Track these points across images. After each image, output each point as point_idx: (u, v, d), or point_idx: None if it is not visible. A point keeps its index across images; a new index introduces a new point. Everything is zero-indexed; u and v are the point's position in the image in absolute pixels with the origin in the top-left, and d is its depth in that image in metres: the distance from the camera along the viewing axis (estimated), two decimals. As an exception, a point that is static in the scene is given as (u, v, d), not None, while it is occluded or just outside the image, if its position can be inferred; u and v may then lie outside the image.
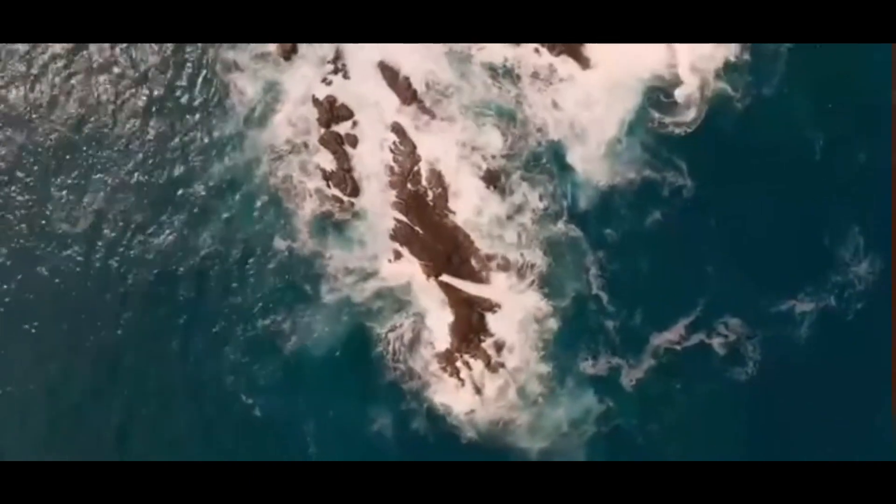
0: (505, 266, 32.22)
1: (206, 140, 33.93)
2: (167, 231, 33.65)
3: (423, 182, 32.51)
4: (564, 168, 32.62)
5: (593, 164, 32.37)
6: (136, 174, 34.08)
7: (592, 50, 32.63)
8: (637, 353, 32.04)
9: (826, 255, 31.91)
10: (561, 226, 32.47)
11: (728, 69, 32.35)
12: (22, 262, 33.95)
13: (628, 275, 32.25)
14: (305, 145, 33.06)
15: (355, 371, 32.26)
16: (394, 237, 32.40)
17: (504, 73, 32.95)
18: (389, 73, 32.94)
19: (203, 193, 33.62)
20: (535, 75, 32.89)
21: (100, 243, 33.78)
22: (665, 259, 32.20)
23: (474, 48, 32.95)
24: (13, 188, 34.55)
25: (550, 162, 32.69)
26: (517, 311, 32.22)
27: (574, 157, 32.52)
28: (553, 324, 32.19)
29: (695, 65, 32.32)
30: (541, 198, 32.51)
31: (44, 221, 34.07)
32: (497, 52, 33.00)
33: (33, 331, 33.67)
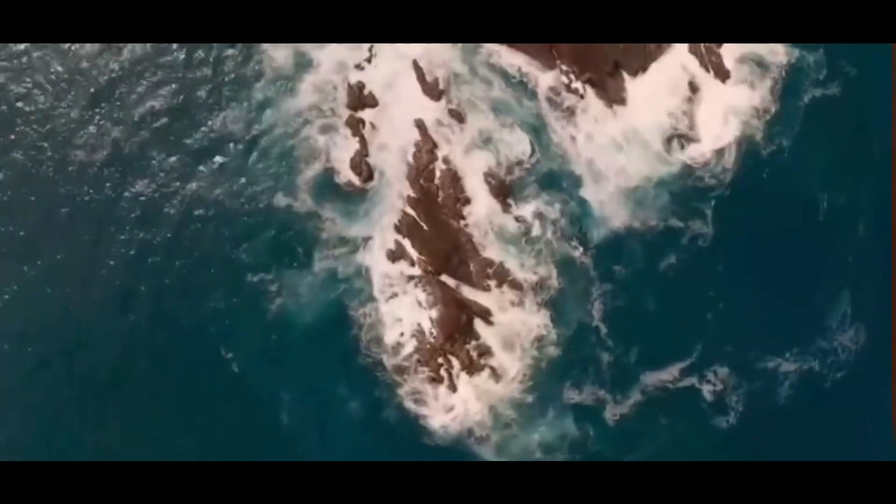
0: (502, 276, 32.16)
1: (232, 92, 34.80)
2: (176, 172, 34.01)
3: (436, 180, 32.94)
4: (580, 201, 33.19)
5: (611, 206, 32.92)
6: (160, 114, 34.80)
7: (621, 86, 33.84)
8: (625, 390, 31.72)
9: (816, 319, 32.39)
10: (570, 250, 32.71)
11: (756, 117, 33.57)
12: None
13: (631, 312, 32.32)
14: (333, 111, 33.86)
15: (335, 346, 31.73)
16: (398, 228, 32.46)
17: (531, 96, 34.03)
18: (421, 71, 33.97)
19: (218, 139, 34.21)
20: (563, 108, 33.83)
21: (111, 172, 34.05)
22: (670, 301, 32.43)
23: (504, 62, 34.24)
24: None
25: (568, 189, 33.32)
26: (508, 323, 31.96)
27: (590, 194, 33.11)
28: (544, 345, 31.88)
29: (724, 112, 33.50)
30: (553, 222, 32.90)
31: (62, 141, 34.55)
32: (534, 79, 34.26)
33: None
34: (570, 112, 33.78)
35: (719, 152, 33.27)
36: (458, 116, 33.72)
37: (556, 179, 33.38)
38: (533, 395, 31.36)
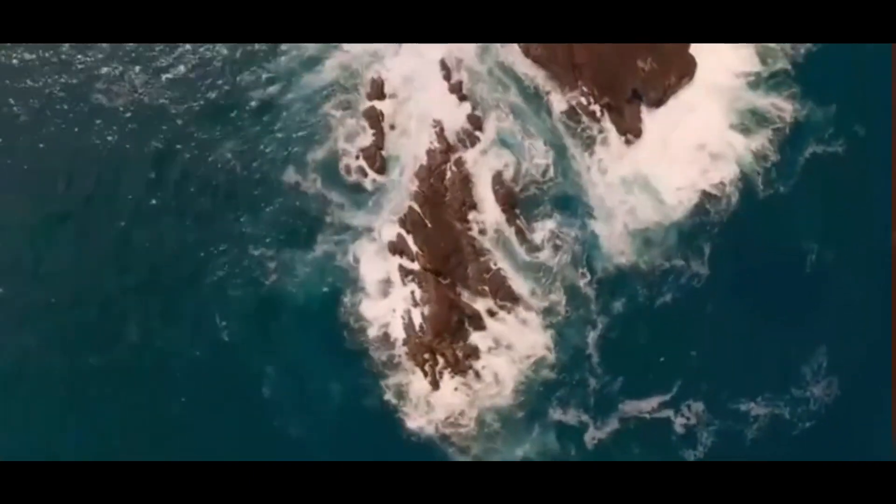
0: (498, 283, 32.69)
1: (255, 59, 35.70)
2: (190, 133, 34.74)
3: (446, 181, 33.51)
4: (591, 232, 33.57)
5: (619, 244, 33.25)
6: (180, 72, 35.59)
7: (637, 116, 34.26)
8: (606, 416, 32.25)
9: (792, 368, 32.94)
10: (577, 278, 33.06)
11: (756, 164, 34.02)
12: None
13: (623, 344, 32.73)
14: (354, 97, 34.63)
15: (324, 330, 32.25)
16: (402, 222, 33.07)
17: (550, 112, 34.64)
18: (447, 71, 34.64)
19: (235, 104, 35.03)
20: (582, 136, 34.33)
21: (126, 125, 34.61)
22: (659, 336, 32.86)
23: (526, 73, 34.90)
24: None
25: (581, 217, 33.70)
26: (499, 331, 32.54)
27: (599, 227, 33.48)
28: (541, 367, 32.32)
29: (729, 154, 33.92)
30: (565, 247, 33.29)
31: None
32: (554, 95, 34.92)
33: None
34: (590, 141, 34.27)
35: (721, 193, 33.69)
36: (475, 122, 34.31)
37: (571, 205, 33.79)
38: (523, 411, 31.86)
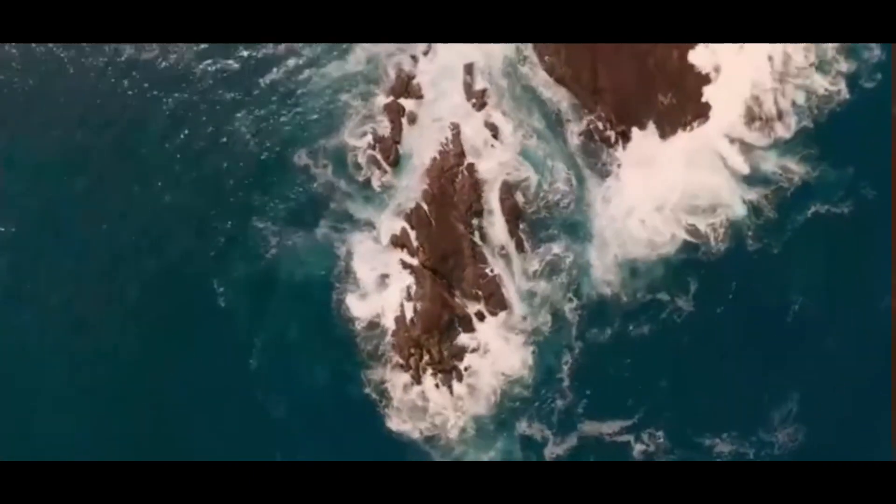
0: (491, 290, 33.47)
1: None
2: (212, 103, 35.84)
3: (456, 184, 34.29)
4: (585, 258, 34.17)
5: (607, 274, 33.75)
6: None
7: (650, 147, 34.70)
8: (566, 433, 32.98)
9: (762, 410, 33.49)
10: (564, 302, 33.64)
11: (757, 210, 34.18)
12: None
13: (595, 369, 33.34)
14: (377, 90, 35.48)
15: (315, 313, 33.37)
16: (408, 217, 33.99)
17: (566, 131, 35.17)
18: (471, 77, 35.29)
19: (262, 84, 36.01)
20: (596, 164, 34.91)
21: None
22: (632, 363, 33.35)
23: (547, 92, 35.52)
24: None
25: (581, 242, 34.30)
26: (486, 342, 33.36)
27: (593, 255, 34.05)
28: (516, 384, 33.12)
29: (733, 199, 34.08)
30: (553, 269, 33.87)
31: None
32: (573, 116, 35.38)
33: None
34: (603, 170, 34.82)
35: (715, 235, 33.92)
36: (493, 130, 34.99)
37: (574, 229, 34.35)
38: (493, 421, 32.79)
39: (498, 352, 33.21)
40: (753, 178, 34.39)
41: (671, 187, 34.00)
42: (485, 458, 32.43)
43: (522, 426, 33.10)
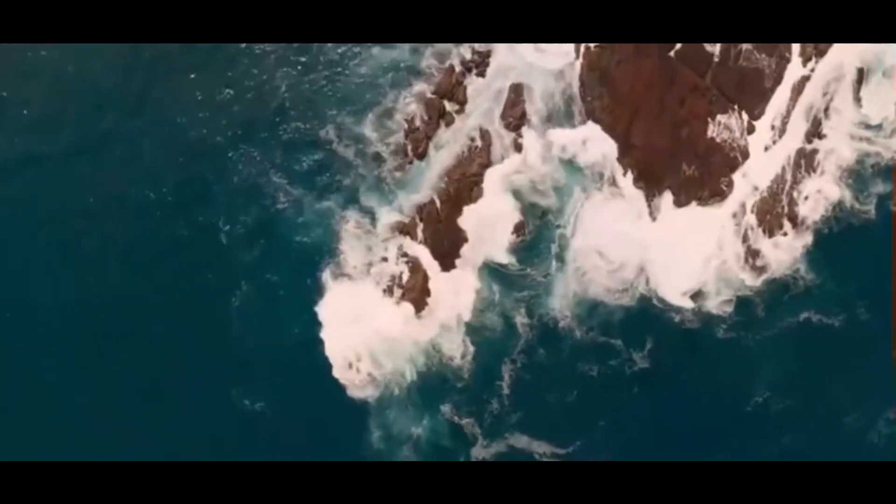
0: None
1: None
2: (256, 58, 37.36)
3: (473, 192, 35.67)
4: (554, 280, 35.35)
5: (569, 307, 34.81)
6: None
7: (661, 207, 35.30)
8: (493, 439, 34.39)
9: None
10: (517, 315, 34.97)
11: (747, 300, 34.49)
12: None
13: (536, 387, 34.52)
14: (420, 81, 36.62)
15: (308, 274, 35.36)
16: (419, 210, 35.60)
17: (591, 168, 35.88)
18: (514, 96, 36.05)
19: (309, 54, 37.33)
20: (599, 196, 35.75)
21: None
22: (577, 399, 34.29)
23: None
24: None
25: (557, 264, 35.48)
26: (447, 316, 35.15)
27: (560, 283, 35.14)
28: (449, 365, 34.84)
29: (724, 285, 34.64)
30: (524, 282, 35.32)
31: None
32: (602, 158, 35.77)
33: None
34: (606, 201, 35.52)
35: (696, 310, 34.43)
36: (519, 148, 35.78)
37: (549, 252, 35.49)
38: (422, 393, 34.78)
39: (443, 335, 34.89)
40: (751, 263, 34.57)
41: (667, 250, 34.56)
42: (414, 429, 34.24)
43: (450, 413, 34.50)
